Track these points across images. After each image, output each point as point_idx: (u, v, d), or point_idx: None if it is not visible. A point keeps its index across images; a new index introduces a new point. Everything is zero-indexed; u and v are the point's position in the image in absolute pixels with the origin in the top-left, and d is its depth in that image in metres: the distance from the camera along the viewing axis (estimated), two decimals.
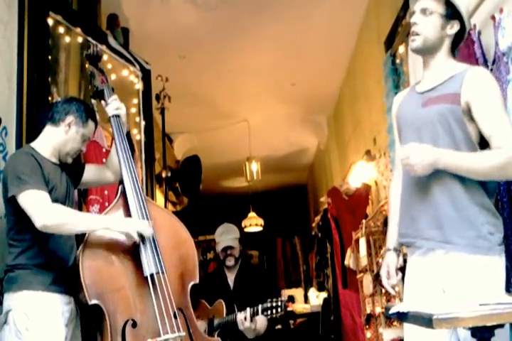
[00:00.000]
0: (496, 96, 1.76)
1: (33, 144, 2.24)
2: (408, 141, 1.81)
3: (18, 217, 2.08)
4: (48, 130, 2.26)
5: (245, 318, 2.89)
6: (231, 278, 3.39)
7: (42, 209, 2.00)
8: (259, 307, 2.84)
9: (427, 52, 1.88)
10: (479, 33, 2.25)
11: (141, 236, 2.08)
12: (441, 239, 1.75)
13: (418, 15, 1.86)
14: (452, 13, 1.83)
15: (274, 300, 2.82)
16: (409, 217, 1.85)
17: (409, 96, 1.96)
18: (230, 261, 3.38)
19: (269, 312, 2.80)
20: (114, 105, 2.37)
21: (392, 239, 1.96)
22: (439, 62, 1.87)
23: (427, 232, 1.78)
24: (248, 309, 2.91)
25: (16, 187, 2.02)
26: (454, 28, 1.85)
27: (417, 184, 1.83)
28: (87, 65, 2.53)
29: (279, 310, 2.79)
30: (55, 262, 2.12)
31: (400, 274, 1.92)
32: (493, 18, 2.14)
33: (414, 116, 1.86)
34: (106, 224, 2.07)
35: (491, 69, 2.12)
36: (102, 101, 2.43)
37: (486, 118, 1.73)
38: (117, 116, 2.36)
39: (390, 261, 1.94)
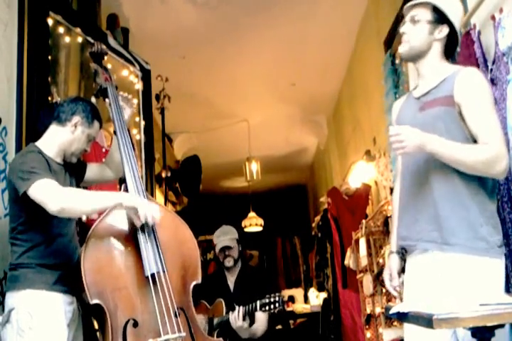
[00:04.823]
0: (484, 95, 1.78)
1: (38, 143, 2.22)
2: None
3: (26, 216, 2.07)
4: (54, 129, 2.25)
5: (237, 317, 2.87)
6: (231, 280, 3.37)
7: (55, 193, 1.98)
8: (257, 302, 2.82)
9: (416, 58, 1.92)
10: (479, 33, 2.25)
11: (144, 223, 2.04)
12: (441, 241, 1.75)
13: (407, 24, 1.92)
14: (440, 18, 1.87)
15: (272, 295, 2.81)
16: (410, 219, 1.86)
17: (407, 103, 2.00)
18: (229, 262, 3.35)
19: (267, 307, 2.77)
20: (127, 101, 2.41)
21: (395, 241, 1.97)
22: (431, 67, 1.91)
23: (427, 234, 1.79)
24: (241, 307, 2.89)
25: (25, 182, 1.98)
26: (442, 32, 1.89)
27: (416, 185, 1.85)
28: (91, 64, 2.52)
29: (277, 305, 2.75)
30: (58, 262, 2.12)
31: (402, 276, 1.93)
32: (493, 18, 2.14)
33: (412, 121, 1.88)
34: (118, 199, 2.02)
35: (491, 69, 2.13)
36: (106, 100, 2.42)
37: (472, 117, 1.76)
38: (121, 112, 2.38)
39: (392, 264, 1.96)
